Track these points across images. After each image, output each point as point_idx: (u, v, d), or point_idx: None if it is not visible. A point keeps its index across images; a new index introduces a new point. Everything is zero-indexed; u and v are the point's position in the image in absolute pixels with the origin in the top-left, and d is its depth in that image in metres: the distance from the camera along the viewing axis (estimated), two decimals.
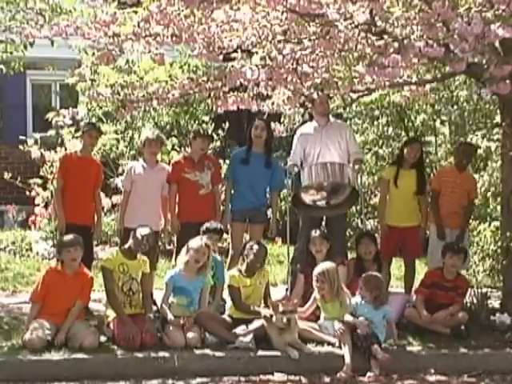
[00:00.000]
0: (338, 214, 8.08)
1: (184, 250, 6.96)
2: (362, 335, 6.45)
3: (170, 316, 6.70)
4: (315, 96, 7.78)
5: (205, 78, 7.47)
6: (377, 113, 11.80)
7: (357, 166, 8.06)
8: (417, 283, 8.11)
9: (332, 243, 7.78)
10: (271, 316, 6.60)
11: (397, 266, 8.42)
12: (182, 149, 10.82)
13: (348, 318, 6.60)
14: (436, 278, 7.28)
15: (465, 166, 8.12)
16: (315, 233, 7.42)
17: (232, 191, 8.17)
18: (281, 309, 6.55)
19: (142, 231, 6.89)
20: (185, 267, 6.90)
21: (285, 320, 6.49)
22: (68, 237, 6.86)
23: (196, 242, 6.89)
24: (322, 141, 8.11)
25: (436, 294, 7.20)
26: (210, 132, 11.77)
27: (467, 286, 7.42)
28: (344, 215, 8.50)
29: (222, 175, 8.39)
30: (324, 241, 7.37)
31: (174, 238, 8.12)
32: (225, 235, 9.17)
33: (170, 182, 7.92)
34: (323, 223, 8.32)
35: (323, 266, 6.95)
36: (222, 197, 8.39)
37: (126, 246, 6.95)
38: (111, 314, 6.74)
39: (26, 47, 8.87)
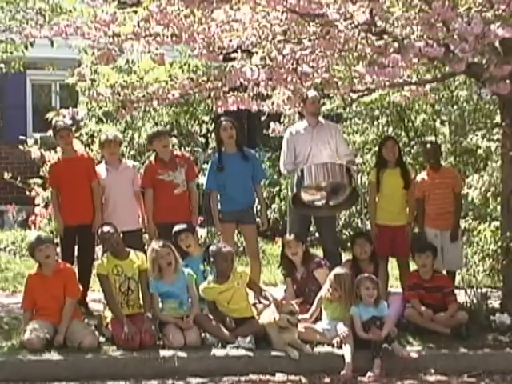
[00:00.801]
0: (329, 215, 8.08)
1: (149, 261, 6.92)
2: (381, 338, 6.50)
3: (170, 319, 6.70)
4: (308, 95, 7.80)
5: (205, 78, 7.47)
6: (377, 113, 11.78)
7: (354, 167, 8.05)
8: None
9: (324, 244, 7.80)
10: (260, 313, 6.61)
11: (396, 266, 8.40)
12: (182, 148, 10.82)
13: (366, 335, 6.56)
14: (415, 280, 7.28)
15: (435, 164, 8.08)
16: (289, 236, 7.42)
17: (219, 196, 8.09)
18: (289, 309, 6.55)
19: (101, 230, 6.99)
20: (160, 275, 6.89)
21: (294, 320, 6.49)
22: (35, 238, 6.86)
23: (154, 251, 6.88)
24: (313, 141, 8.11)
25: (420, 294, 7.18)
26: (209, 130, 11.84)
27: (449, 283, 7.41)
28: (334, 215, 8.48)
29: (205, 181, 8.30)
30: (299, 243, 7.34)
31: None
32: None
33: (145, 187, 7.90)
34: (313, 224, 8.33)
35: (338, 271, 6.95)
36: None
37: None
38: (109, 315, 6.76)
39: (26, 47, 8.88)
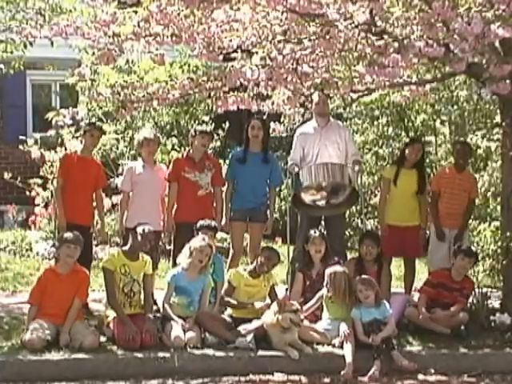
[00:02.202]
0: (337, 214, 8.09)
1: (186, 250, 6.94)
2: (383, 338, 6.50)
3: (174, 317, 6.70)
4: (313, 96, 7.80)
5: (205, 78, 7.47)
6: (377, 113, 11.80)
7: (356, 167, 8.07)
8: (417, 283, 8.13)
9: (331, 243, 7.78)
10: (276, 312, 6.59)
11: (396, 266, 8.41)
12: (182, 148, 10.81)
13: (367, 340, 6.55)
14: (443, 279, 7.26)
15: (462, 165, 8.10)
16: (315, 233, 7.42)
17: (233, 191, 8.14)
18: (292, 308, 6.55)
19: (143, 229, 6.89)
20: (188, 267, 6.90)
21: (297, 319, 6.49)
22: (71, 234, 6.86)
23: (199, 243, 6.89)
24: (321, 141, 8.12)
25: (442, 294, 7.19)
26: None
27: (473, 287, 7.41)
28: (343, 215, 8.50)
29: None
30: (323, 241, 7.38)
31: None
32: (225, 235, 9.18)
33: (170, 181, 7.93)
34: (322, 223, 8.33)
35: (334, 268, 6.95)
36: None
37: (127, 246, 6.94)
38: (111, 314, 6.74)
39: (25, 46, 8.86)
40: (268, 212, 8.21)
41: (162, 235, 8.11)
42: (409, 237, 7.92)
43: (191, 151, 8.08)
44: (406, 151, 8.05)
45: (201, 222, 7.37)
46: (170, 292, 6.87)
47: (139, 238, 6.84)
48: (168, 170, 8.01)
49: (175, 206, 7.91)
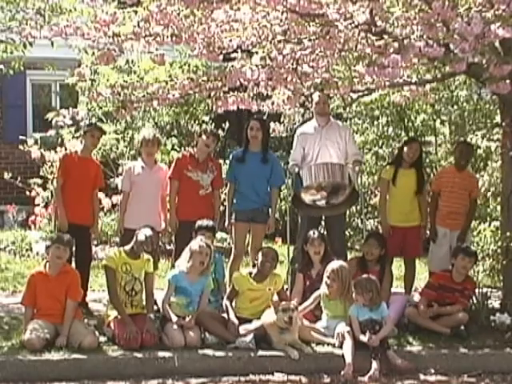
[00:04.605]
0: (337, 214, 8.08)
1: (186, 253, 6.92)
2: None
3: (173, 317, 6.70)
4: (313, 96, 7.80)
5: (205, 78, 7.47)
6: (377, 113, 11.78)
7: (357, 168, 8.07)
8: (417, 283, 8.13)
9: (331, 243, 7.78)
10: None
11: (397, 266, 8.41)
12: (182, 148, 10.81)
13: (363, 338, 6.55)
14: (444, 280, 7.24)
15: (463, 165, 8.09)
16: (314, 234, 7.40)
17: (235, 192, 8.13)
18: (283, 307, 6.55)
19: (144, 232, 6.89)
20: (189, 269, 6.88)
21: (286, 318, 6.48)
22: (62, 235, 6.86)
23: (198, 245, 6.87)
24: (322, 141, 8.11)
25: (443, 295, 7.17)
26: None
27: (474, 288, 7.41)
28: (343, 215, 8.49)
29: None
30: (322, 242, 7.36)
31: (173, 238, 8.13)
32: (225, 235, 9.18)
33: (172, 179, 7.94)
34: (322, 223, 8.33)
35: (337, 263, 6.94)
36: (223, 197, 8.42)
37: (129, 246, 6.94)
38: (112, 313, 6.75)
39: (25, 46, 8.86)
40: (270, 211, 8.20)
41: (160, 235, 8.09)
42: (409, 237, 7.92)
43: (196, 150, 8.06)
44: (404, 151, 8.04)
45: (198, 223, 7.36)
46: (170, 292, 6.86)
47: (141, 241, 6.84)
48: (170, 168, 8.01)
49: (176, 203, 7.90)
